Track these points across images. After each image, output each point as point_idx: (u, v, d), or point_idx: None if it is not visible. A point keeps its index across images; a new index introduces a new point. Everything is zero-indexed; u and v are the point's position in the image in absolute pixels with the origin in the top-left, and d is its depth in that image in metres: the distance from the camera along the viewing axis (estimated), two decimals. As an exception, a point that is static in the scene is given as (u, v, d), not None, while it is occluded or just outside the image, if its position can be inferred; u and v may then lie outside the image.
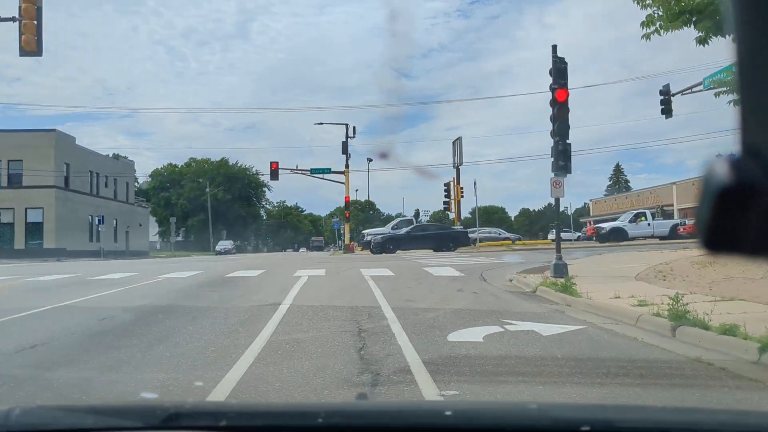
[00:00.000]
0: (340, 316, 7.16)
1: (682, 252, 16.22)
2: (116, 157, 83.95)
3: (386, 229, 31.63)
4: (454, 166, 37.03)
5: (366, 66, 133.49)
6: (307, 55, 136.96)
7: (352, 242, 38.92)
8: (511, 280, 12.33)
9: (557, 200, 12.34)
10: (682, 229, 31.48)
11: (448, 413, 1.15)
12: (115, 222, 46.34)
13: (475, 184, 24.63)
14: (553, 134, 12.28)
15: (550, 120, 12.52)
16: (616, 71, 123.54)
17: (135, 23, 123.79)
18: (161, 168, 79.55)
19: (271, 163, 39.62)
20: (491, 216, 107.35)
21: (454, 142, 37.56)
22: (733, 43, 0.58)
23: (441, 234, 28.72)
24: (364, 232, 35.59)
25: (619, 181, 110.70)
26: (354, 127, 40.01)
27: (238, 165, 77.90)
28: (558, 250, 12.24)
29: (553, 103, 12.18)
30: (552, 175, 12.38)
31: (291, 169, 40.36)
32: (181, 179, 76.91)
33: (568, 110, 12.14)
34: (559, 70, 12.30)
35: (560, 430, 1.15)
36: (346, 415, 1.23)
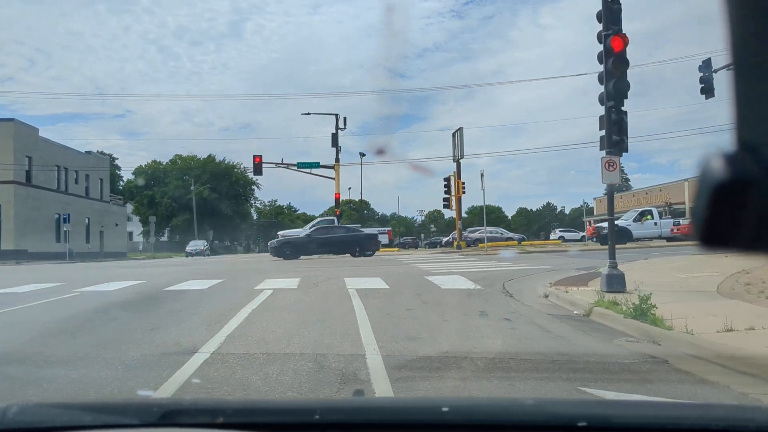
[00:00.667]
0: (289, 385, 3.86)
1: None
2: (102, 153, 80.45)
3: (304, 231, 28.25)
4: (454, 160, 33.73)
5: (359, 66, 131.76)
6: (300, 54, 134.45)
7: (343, 243, 35.64)
8: (547, 296, 9.08)
9: (611, 188, 9.11)
10: (675, 230, 27.69)
11: (445, 409, 1.13)
12: (87, 221, 42.78)
13: (482, 175, 21.26)
14: (605, 98, 9.04)
15: (599, 81, 9.28)
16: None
17: (127, 22, 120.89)
18: (145, 165, 75.93)
19: (254, 156, 36.22)
20: (488, 215, 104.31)
21: (454, 134, 34.25)
22: (727, 38, 0.56)
23: (346, 237, 25.20)
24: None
25: (620, 180, 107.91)
26: (345, 118, 36.74)
27: (225, 162, 74.38)
28: (612, 255, 8.98)
29: (606, 55, 8.91)
30: (603, 153, 9.14)
31: (276, 163, 36.99)
32: (166, 177, 73.42)
33: (626, 64, 8.88)
34: (612, 12, 9.04)
35: (557, 426, 1.10)
36: (343, 412, 1.20)
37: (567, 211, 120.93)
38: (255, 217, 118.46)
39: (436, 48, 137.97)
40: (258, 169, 36.70)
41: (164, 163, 75.87)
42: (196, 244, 49.48)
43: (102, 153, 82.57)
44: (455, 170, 32.67)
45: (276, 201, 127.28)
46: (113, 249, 45.83)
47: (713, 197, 0.54)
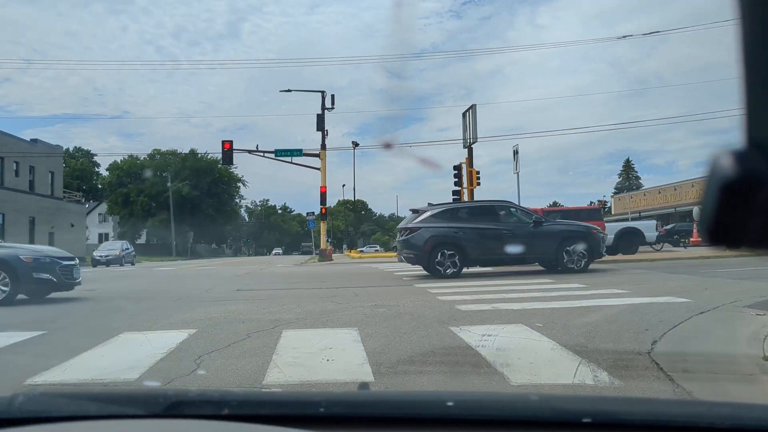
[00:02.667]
0: None
1: None
2: (80, 152, 74.47)
3: None
4: (465, 145, 27.54)
5: (356, 66, 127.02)
6: (297, 54, 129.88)
7: (329, 246, 29.51)
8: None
9: None
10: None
11: (450, 403, 1.10)
12: (31, 221, 36.51)
13: (515, 152, 14.83)
14: None
15: None
16: (607, 71, 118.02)
17: (124, 23, 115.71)
18: (121, 161, 69.51)
19: (223, 142, 30.13)
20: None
21: (465, 113, 28.07)
22: (738, 30, 0.56)
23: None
24: None
25: (629, 178, 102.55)
26: (333, 96, 30.60)
27: (208, 157, 67.97)
28: None
29: None
30: None
31: (249, 151, 30.81)
32: (143, 173, 67.29)
33: None
34: None
35: (562, 421, 1.06)
36: (348, 405, 1.17)
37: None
38: (246, 218, 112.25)
39: (434, 49, 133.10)
40: (228, 158, 30.61)
41: (142, 159, 69.54)
42: (111, 248, 34.77)
43: (80, 149, 76.56)
44: (467, 157, 26.50)
45: (268, 201, 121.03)
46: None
47: (722, 195, 0.53)
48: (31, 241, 36.61)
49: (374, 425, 1.09)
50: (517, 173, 15.20)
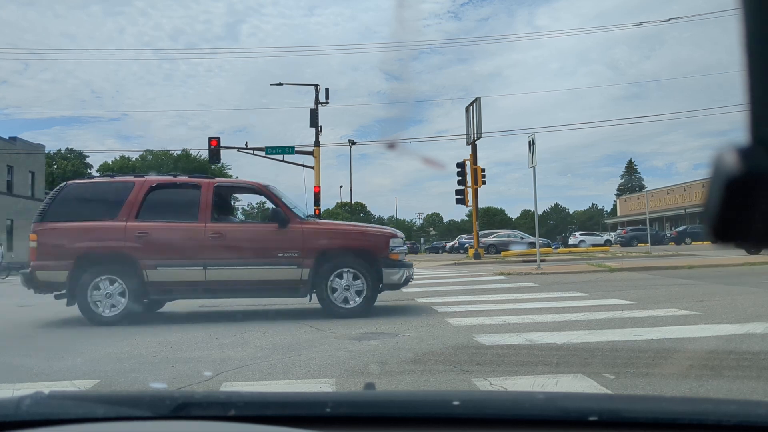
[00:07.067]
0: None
1: None
2: (71, 153, 72.66)
3: None
4: (468, 142, 25.74)
5: (354, 68, 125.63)
6: (296, 56, 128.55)
7: (324, 251, 27.62)
8: None
9: None
10: None
11: (456, 403, 1.08)
12: (9, 224, 34.59)
13: (531, 143, 12.94)
14: None
15: None
16: (606, 73, 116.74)
17: (121, 24, 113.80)
18: (111, 162, 67.60)
19: (210, 139, 28.21)
20: (492, 218, 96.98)
21: (468, 108, 26.26)
22: (740, 21, 0.55)
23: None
24: None
25: (632, 179, 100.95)
26: (327, 90, 28.69)
27: (201, 158, 66.06)
28: None
29: None
30: None
31: (238, 148, 28.86)
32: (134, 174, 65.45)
33: None
34: None
35: (568, 420, 1.04)
36: (354, 405, 1.16)
37: (571, 212, 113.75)
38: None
39: (432, 50, 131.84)
40: (215, 156, 28.74)
41: (133, 160, 67.58)
42: None
43: (79, 153, 74.72)
44: (471, 154, 24.69)
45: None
46: (49, 257, 37.54)
47: (726, 192, 0.52)
48: (9, 246, 34.68)
49: (380, 425, 1.08)
50: (534, 167, 13.28)
